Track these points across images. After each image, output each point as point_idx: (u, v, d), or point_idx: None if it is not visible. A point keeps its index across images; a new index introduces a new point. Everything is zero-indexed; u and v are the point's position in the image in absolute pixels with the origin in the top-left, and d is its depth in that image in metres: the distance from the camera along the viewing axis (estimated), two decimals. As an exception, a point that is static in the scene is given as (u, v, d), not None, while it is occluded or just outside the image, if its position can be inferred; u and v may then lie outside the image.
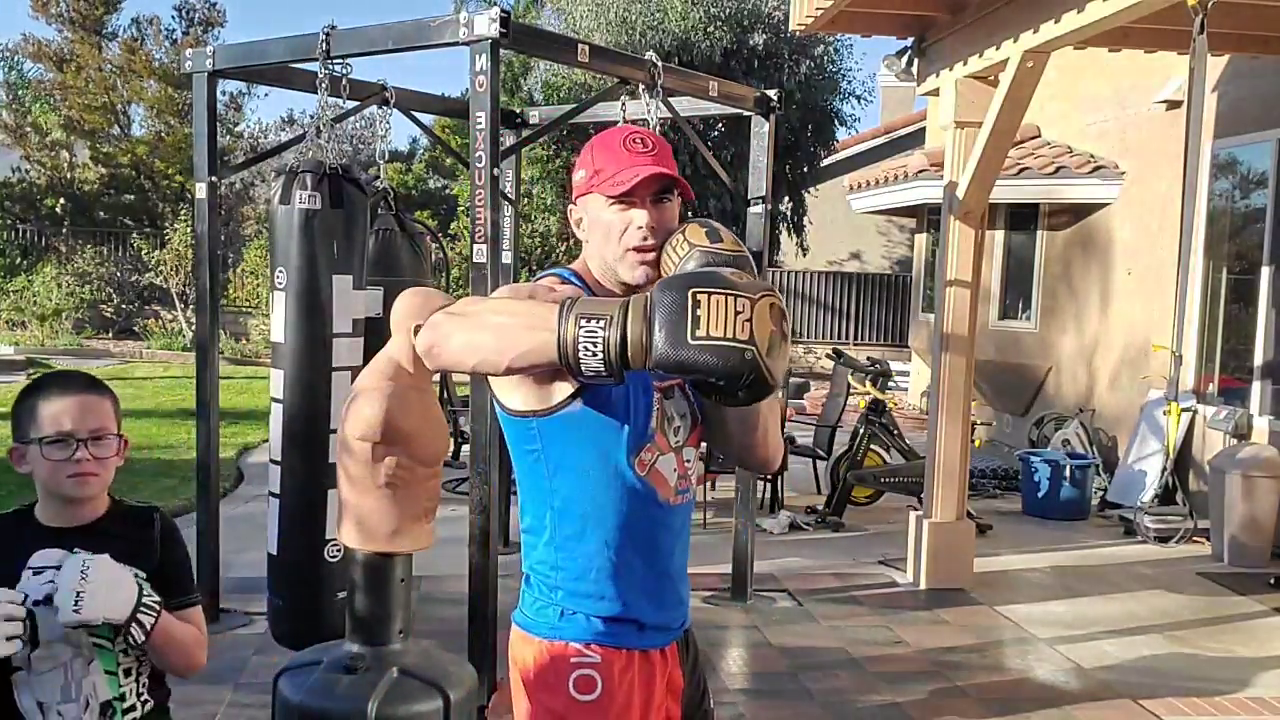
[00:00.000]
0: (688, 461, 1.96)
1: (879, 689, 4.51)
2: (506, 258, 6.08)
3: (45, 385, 2.06)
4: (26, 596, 1.87)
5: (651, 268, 1.85)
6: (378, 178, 4.79)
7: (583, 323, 1.53)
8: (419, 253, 4.77)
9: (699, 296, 1.47)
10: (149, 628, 1.95)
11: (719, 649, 4.96)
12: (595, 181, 1.88)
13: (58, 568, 1.91)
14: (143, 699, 2.07)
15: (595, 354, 1.52)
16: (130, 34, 20.40)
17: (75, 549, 1.94)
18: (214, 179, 4.92)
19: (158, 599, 1.98)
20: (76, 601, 1.85)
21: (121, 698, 2.02)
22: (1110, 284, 9.08)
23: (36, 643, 1.91)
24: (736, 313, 1.47)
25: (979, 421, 9.95)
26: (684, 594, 2.02)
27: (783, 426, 7.58)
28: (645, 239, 1.84)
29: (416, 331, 3.02)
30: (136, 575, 1.98)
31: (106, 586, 1.89)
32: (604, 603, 1.90)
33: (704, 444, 2.04)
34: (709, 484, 7.71)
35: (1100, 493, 8.07)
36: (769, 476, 7.39)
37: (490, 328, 1.63)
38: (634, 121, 5.21)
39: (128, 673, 2.03)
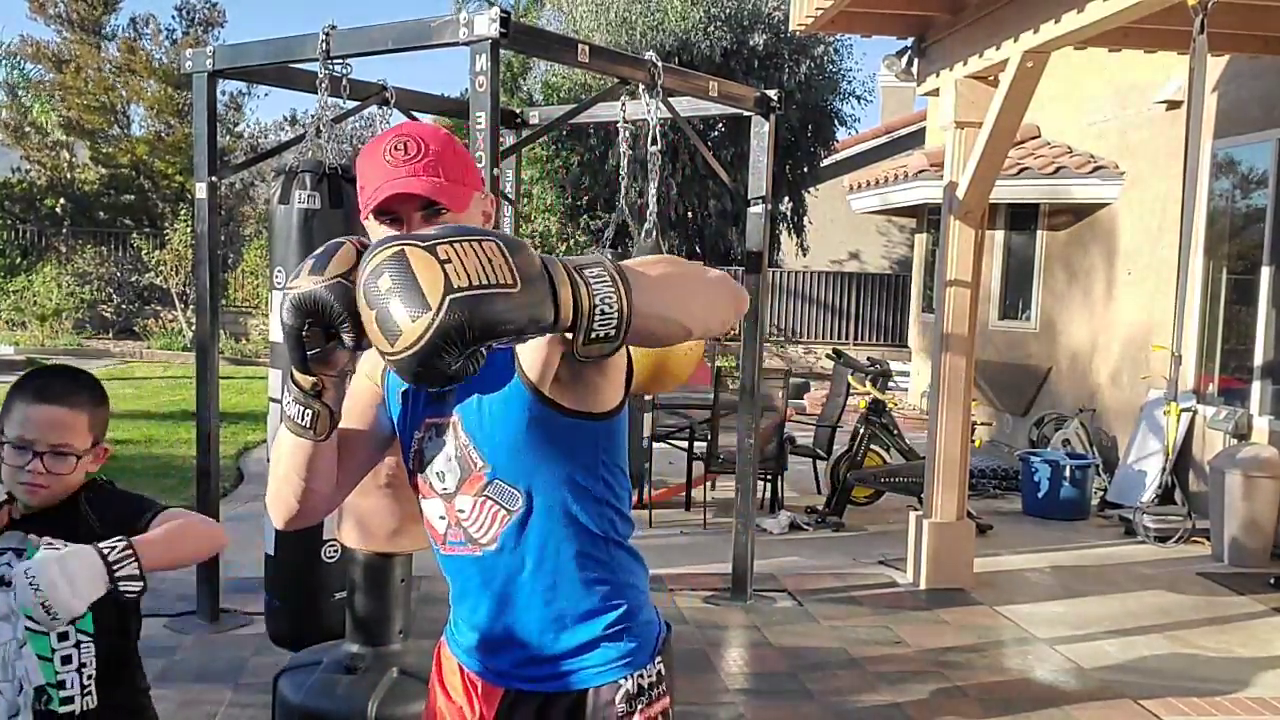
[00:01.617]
0: (461, 511, 1.71)
1: (879, 689, 4.51)
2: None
3: (29, 384, 2.04)
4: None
5: None
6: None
7: (284, 400, 1.71)
8: (419, 253, 4.76)
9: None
10: (139, 575, 1.83)
11: (719, 649, 4.96)
12: (362, 199, 1.69)
13: (18, 550, 1.92)
14: (85, 690, 2.02)
15: (291, 402, 1.69)
16: (128, 34, 20.42)
17: (32, 536, 1.92)
18: (214, 179, 4.92)
19: (124, 543, 1.84)
20: (73, 596, 1.75)
21: (61, 684, 1.99)
22: (1110, 284, 9.08)
23: None
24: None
25: (979, 421, 9.94)
26: (500, 651, 1.77)
27: (783, 426, 7.58)
28: None
29: None
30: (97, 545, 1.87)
31: (86, 575, 1.77)
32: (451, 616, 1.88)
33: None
34: (709, 484, 7.71)
35: (1100, 493, 8.07)
36: (769, 476, 7.39)
37: (275, 478, 1.80)
38: (634, 122, 5.21)
39: (66, 660, 2.00)
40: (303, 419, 1.64)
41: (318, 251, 1.54)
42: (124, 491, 2.14)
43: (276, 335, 4.07)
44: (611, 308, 1.36)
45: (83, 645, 2.01)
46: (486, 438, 1.67)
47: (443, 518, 1.74)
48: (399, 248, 1.33)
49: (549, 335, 1.45)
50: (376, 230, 1.67)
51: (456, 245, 1.31)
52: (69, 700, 2.00)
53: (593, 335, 1.37)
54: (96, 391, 2.07)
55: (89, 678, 2.02)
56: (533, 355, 1.61)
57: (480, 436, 1.67)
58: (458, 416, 1.68)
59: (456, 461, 1.69)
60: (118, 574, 1.80)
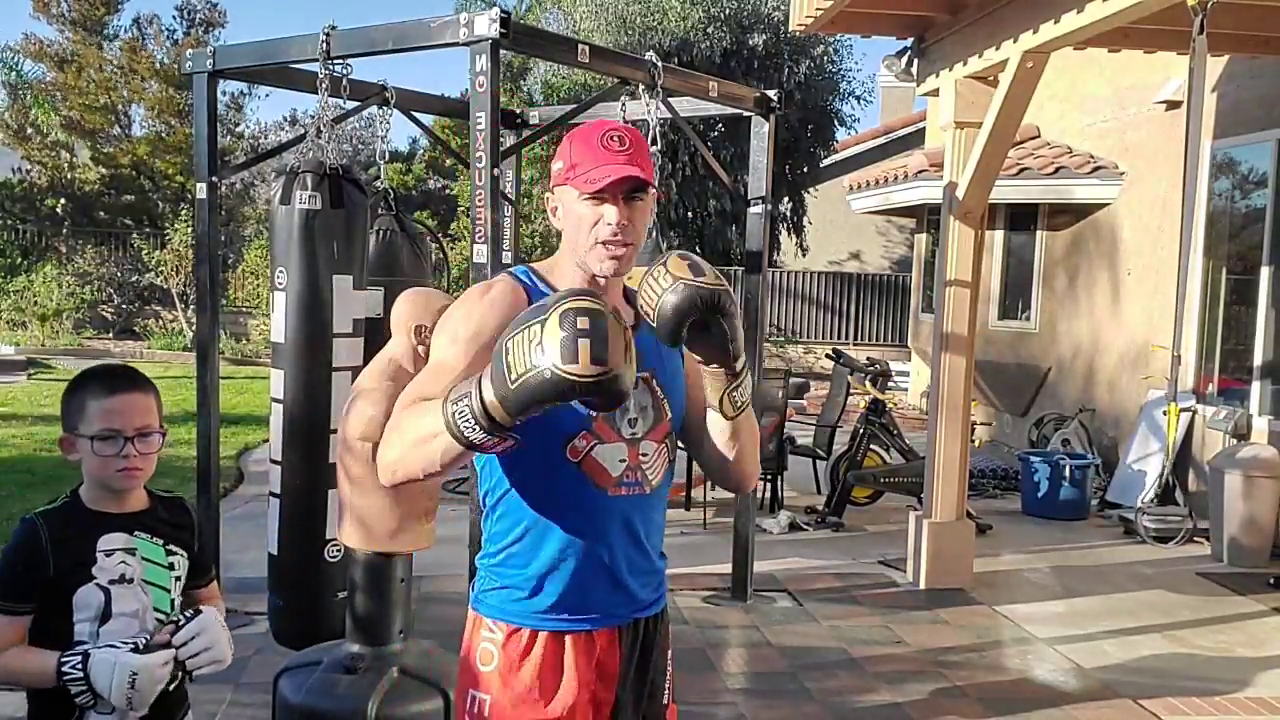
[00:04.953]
0: (644, 455, 1.97)
1: (879, 689, 4.51)
2: (506, 257, 6.08)
3: (94, 380, 2.15)
4: (173, 637, 2.07)
5: (620, 262, 1.94)
6: (378, 178, 4.80)
7: (453, 405, 1.68)
8: (419, 253, 4.77)
9: (506, 345, 1.63)
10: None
11: (719, 649, 4.97)
12: (571, 175, 1.94)
13: (128, 550, 2.11)
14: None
15: (473, 426, 1.67)
16: (131, 34, 20.42)
17: (136, 533, 2.13)
18: (214, 179, 4.92)
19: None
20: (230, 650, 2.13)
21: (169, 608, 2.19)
22: (1110, 284, 9.08)
23: (109, 617, 2.06)
24: (530, 342, 1.60)
25: (979, 421, 9.96)
26: (633, 584, 2.01)
27: (783, 426, 7.59)
28: (615, 234, 1.92)
29: (418, 332, 3.02)
30: (182, 557, 2.22)
31: (228, 632, 2.13)
32: (518, 579, 1.96)
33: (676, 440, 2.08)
34: (709, 484, 7.71)
35: (1100, 493, 8.08)
36: (768, 476, 7.41)
37: (407, 446, 1.79)
38: (633, 122, 5.21)
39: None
40: (485, 442, 1.69)
41: (580, 327, 1.59)
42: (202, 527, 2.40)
43: (278, 335, 4.07)
44: (748, 388, 1.97)
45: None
46: (674, 395, 2.04)
47: (623, 460, 1.95)
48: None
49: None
50: (579, 203, 1.93)
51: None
52: (172, 680, 2.15)
53: (737, 394, 1.94)
54: (148, 379, 2.24)
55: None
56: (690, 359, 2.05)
57: (671, 394, 2.03)
58: (650, 373, 1.99)
59: (652, 410, 1.99)
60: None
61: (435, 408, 1.73)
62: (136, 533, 2.13)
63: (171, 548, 2.19)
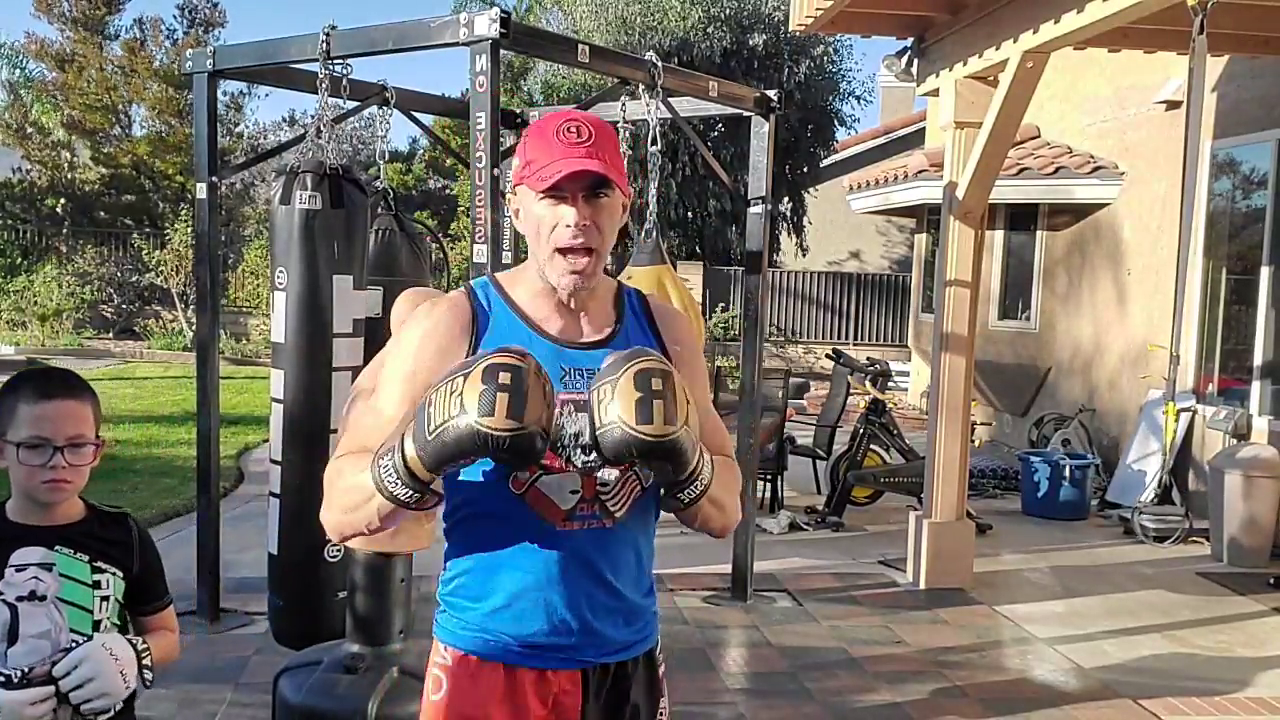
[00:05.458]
0: (603, 485, 1.77)
1: (879, 689, 4.51)
2: (506, 257, 6.07)
3: (26, 384, 2.02)
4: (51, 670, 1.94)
5: (582, 276, 1.76)
6: (378, 178, 4.80)
7: (379, 461, 1.66)
8: (419, 253, 4.77)
9: (430, 396, 1.62)
10: (149, 672, 2.03)
11: (719, 649, 4.96)
12: (526, 173, 1.77)
13: (44, 565, 1.98)
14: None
15: (397, 482, 1.65)
16: (132, 34, 20.43)
17: (57, 547, 2.00)
18: (214, 179, 4.92)
19: (144, 644, 2.04)
20: (126, 683, 1.97)
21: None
22: (1110, 284, 9.08)
23: (17, 638, 1.95)
24: (451, 394, 1.58)
25: (979, 421, 9.96)
26: (599, 625, 1.83)
27: (783, 426, 7.59)
28: (574, 237, 1.74)
29: None
30: (114, 575, 2.06)
31: (129, 662, 1.98)
32: (468, 608, 1.84)
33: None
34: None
35: (1100, 493, 8.08)
36: (769, 476, 7.41)
37: (347, 506, 1.75)
38: (633, 122, 5.22)
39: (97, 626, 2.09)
40: (410, 499, 1.67)
41: (500, 382, 1.57)
42: (155, 548, 2.22)
43: (278, 335, 4.07)
44: (700, 488, 1.74)
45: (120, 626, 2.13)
46: None
47: (575, 492, 1.76)
48: (670, 369, 1.68)
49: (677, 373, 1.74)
50: (537, 204, 1.76)
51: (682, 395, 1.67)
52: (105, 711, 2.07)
53: (683, 495, 1.74)
54: (87, 384, 2.10)
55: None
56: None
57: None
58: None
59: None
60: (143, 671, 2.01)
61: (367, 465, 1.70)
62: (58, 547, 2.00)
63: (100, 565, 2.03)
